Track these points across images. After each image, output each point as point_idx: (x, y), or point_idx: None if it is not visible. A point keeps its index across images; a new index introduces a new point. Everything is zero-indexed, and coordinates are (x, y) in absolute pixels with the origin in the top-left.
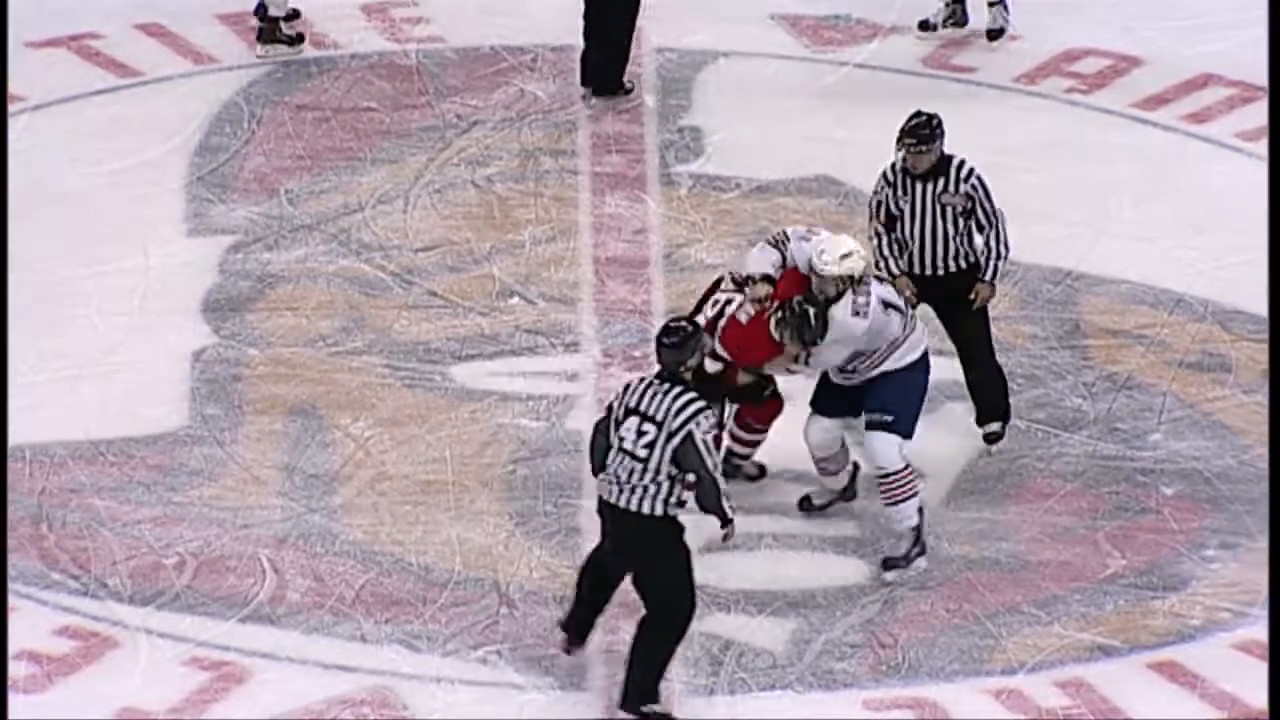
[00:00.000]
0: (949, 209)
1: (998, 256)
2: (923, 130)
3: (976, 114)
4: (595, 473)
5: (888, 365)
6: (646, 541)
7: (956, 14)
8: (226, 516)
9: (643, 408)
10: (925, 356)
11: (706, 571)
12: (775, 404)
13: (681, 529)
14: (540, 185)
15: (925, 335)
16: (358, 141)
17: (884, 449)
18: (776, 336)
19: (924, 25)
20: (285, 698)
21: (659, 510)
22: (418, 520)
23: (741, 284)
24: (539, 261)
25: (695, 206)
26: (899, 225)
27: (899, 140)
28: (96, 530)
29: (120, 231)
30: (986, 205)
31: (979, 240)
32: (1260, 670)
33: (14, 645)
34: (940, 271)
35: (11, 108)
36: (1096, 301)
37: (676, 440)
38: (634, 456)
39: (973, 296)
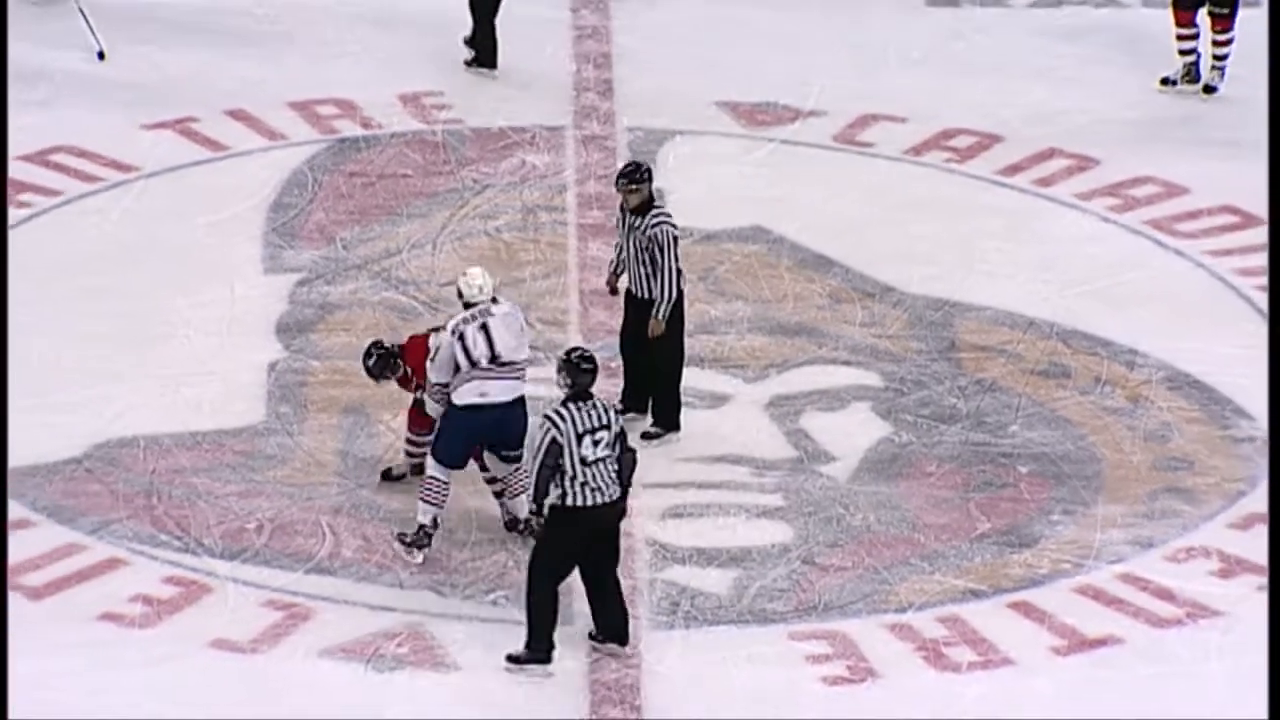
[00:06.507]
0: (640, 244)
1: (663, 300)
2: (636, 174)
3: (874, 179)
4: None
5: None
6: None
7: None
8: (295, 491)
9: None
10: (474, 407)
11: (668, 533)
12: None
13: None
14: (538, 234)
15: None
16: (396, 200)
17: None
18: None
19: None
20: (341, 632)
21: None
22: None
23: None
24: (537, 293)
25: None
26: (623, 248)
27: (616, 181)
28: (194, 502)
29: (211, 271)
30: (660, 255)
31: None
32: (1093, 608)
33: (131, 590)
34: (636, 293)
35: (127, 176)
36: (968, 324)
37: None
38: None
39: (650, 329)
